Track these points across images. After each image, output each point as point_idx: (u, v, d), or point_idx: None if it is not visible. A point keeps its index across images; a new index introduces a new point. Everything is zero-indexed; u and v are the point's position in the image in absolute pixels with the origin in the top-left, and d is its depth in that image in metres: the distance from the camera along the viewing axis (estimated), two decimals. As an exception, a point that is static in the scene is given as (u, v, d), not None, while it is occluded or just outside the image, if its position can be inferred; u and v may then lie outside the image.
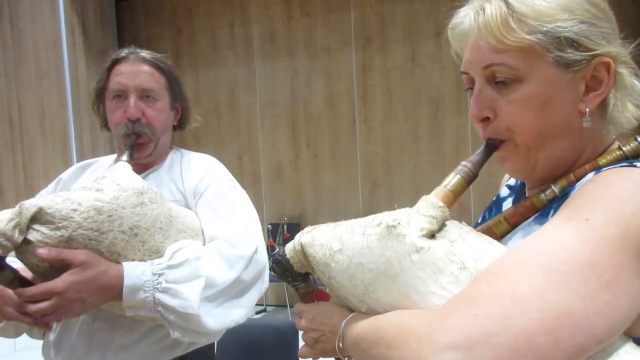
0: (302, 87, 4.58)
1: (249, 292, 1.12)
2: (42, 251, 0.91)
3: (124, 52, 1.23)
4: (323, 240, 0.69)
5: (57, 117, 4.39)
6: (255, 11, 4.67)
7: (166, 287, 0.99)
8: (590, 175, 0.60)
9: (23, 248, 0.92)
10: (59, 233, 0.92)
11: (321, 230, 0.71)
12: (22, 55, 4.49)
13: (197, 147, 4.91)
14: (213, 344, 1.22)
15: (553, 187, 0.63)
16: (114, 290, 0.97)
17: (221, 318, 1.05)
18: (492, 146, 0.66)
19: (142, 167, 1.23)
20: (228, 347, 1.79)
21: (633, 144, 0.62)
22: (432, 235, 0.59)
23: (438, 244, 0.57)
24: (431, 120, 4.25)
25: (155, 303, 0.99)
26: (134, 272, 0.98)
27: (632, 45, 0.64)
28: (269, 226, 4.22)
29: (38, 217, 0.91)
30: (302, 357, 0.78)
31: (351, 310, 0.68)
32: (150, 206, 1.02)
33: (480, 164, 0.66)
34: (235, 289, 1.09)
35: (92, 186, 1.01)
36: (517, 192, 0.80)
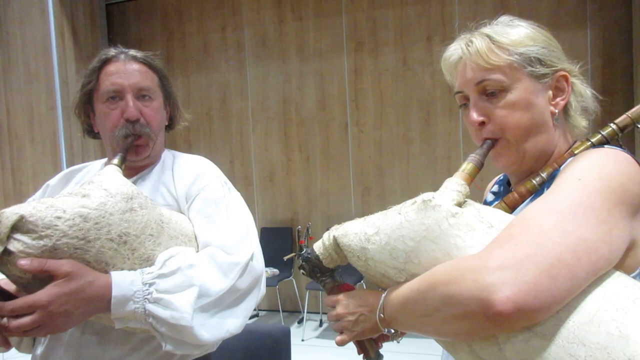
0: (294, 90, 4.58)
1: (245, 301, 1.06)
2: (23, 262, 0.84)
3: (112, 52, 1.18)
4: (356, 230, 0.80)
5: (47, 121, 4.35)
6: (246, 14, 4.66)
7: (157, 297, 0.93)
8: (571, 159, 0.79)
9: (4, 259, 0.86)
10: (42, 242, 0.86)
11: (351, 223, 0.83)
12: (11, 58, 4.44)
13: (189, 150, 4.86)
14: (209, 355, 1.16)
15: (541, 173, 0.81)
16: (102, 302, 0.91)
17: (215, 329, 0.99)
18: (490, 143, 0.84)
19: (135, 170, 1.19)
20: (221, 352, 1.78)
21: (598, 136, 0.81)
22: (460, 205, 0.73)
23: (467, 210, 0.72)
24: (423, 123, 4.26)
25: (145, 314, 0.93)
26: (123, 282, 0.92)
27: (578, 66, 0.85)
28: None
29: (19, 226, 0.85)
30: (340, 345, 0.86)
31: (384, 291, 0.79)
32: (140, 212, 0.97)
33: (484, 155, 0.83)
34: (231, 298, 1.03)
35: (78, 192, 0.95)
36: (503, 195, 0.92)
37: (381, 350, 0.90)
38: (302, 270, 0.88)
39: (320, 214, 4.53)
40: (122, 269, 0.95)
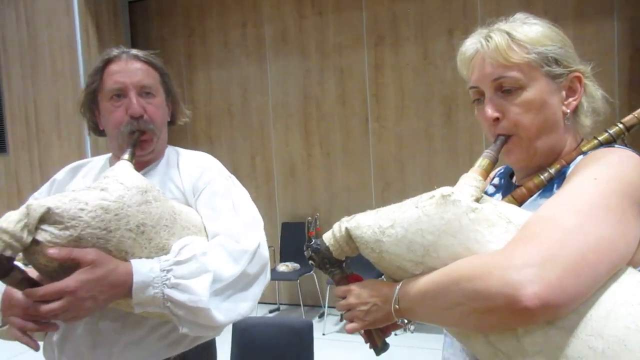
0: (314, 85, 4.58)
1: (254, 286, 1.13)
2: (52, 251, 0.91)
3: (115, 52, 1.23)
4: (370, 222, 0.81)
5: (73, 117, 4.44)
6: (267, 10, 4.67)
7: (175, 282, 1.00)
8: (580, 157, 0.83)
9: (32, 249, 0.91)
10: (68, 233, 0.92)
11: (363, 215, 0.84)
12: (38, 56, 4.55)
13: (211, 146, 4.94)
14: (213, 340, 1.24)
15: (549, 169, 0.84)
16: (124, 288, 0.98)
17: (229, 312, 1.06)
18: (503, 139, 0.86)
19: (141, 165, 1.23)
20: (243, 345, 1.80)
21: (605, 135, 0.85)
22: (477, 201, 0.75)
23: (486, 206, 0.74)
24: (444, 118, 4.22)
25: (164, 299, 1.00)
26: (143, 269, 0.99)
27: (590, 67, 0.87)
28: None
29: (46, 218, 0.91)
30: (350, 332, 0.88)
31: (396, 282, 0.81)
32: (155, 204, 1.03)
33: (498, 151, 0.85)
34: (241, 283, 1.10)
35: (96, 186, 1.01)
36: (505, 188, 0.98)
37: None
38: (310, 261, 0.90)
39: (341, 209, 4.53)
40: (140, 257, 1.01)
